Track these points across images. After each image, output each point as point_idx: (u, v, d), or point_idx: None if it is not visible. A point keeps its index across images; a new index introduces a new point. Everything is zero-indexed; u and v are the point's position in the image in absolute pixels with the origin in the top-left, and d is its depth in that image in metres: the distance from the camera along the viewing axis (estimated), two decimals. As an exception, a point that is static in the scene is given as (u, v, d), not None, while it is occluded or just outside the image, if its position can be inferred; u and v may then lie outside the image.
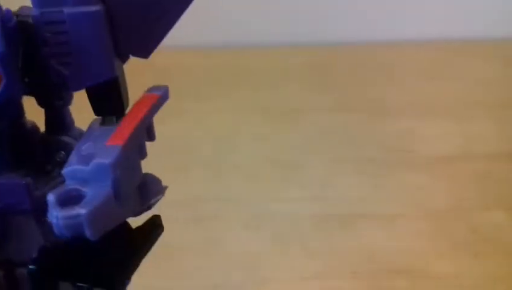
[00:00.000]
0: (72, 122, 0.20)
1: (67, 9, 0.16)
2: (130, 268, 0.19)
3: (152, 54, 0.19)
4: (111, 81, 0.18)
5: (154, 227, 0.21)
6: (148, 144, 0.20)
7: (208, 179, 0.51)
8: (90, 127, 0.18)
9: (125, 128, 0.17)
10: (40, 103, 0.19)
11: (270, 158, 0.58)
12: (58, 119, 0.19)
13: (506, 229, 0.51)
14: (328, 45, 0.80)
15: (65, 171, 0.17)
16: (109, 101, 0.18)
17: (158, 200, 0.21)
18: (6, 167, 0.18)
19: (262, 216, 0.51)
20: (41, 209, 0.18)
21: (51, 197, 0.16)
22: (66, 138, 0.20)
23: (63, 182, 0.17)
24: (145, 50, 0.18)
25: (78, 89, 0.18)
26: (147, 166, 0.22)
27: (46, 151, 0.19)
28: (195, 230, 0.49)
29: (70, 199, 0.16)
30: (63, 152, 0.19)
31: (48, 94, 0.18)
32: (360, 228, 0.51)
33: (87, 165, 0.17)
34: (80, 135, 0.19)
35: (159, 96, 0.19)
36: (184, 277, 0.44)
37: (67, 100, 0.19)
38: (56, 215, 0.16)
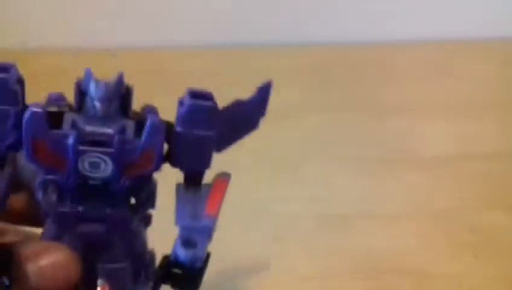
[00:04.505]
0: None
1: (196, 131, 0.27)
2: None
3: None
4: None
5: None
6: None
7: (207, 179, 0.51)
8: (178, 191, 0.28)
9: (214, 204, 0.29)
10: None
11: (270, 158, 0.58)
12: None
13: (506, 229, 0.51)
14: (328, 45, 0.80)
15: (182, 224, 0.28)
16: (200, 179, 0.29)
17: None
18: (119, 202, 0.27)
19: (262, 216, 0.51)
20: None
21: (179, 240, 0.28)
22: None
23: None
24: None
25: (190, 171, 0.29)
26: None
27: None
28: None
29: (189, 242, 0.28)
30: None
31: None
32: (360, 228, 0.51)
33: (199, 222, 0.28)
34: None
35: (227, 182, 0.30)
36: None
37: None
38: (184, 254, 0.28)
